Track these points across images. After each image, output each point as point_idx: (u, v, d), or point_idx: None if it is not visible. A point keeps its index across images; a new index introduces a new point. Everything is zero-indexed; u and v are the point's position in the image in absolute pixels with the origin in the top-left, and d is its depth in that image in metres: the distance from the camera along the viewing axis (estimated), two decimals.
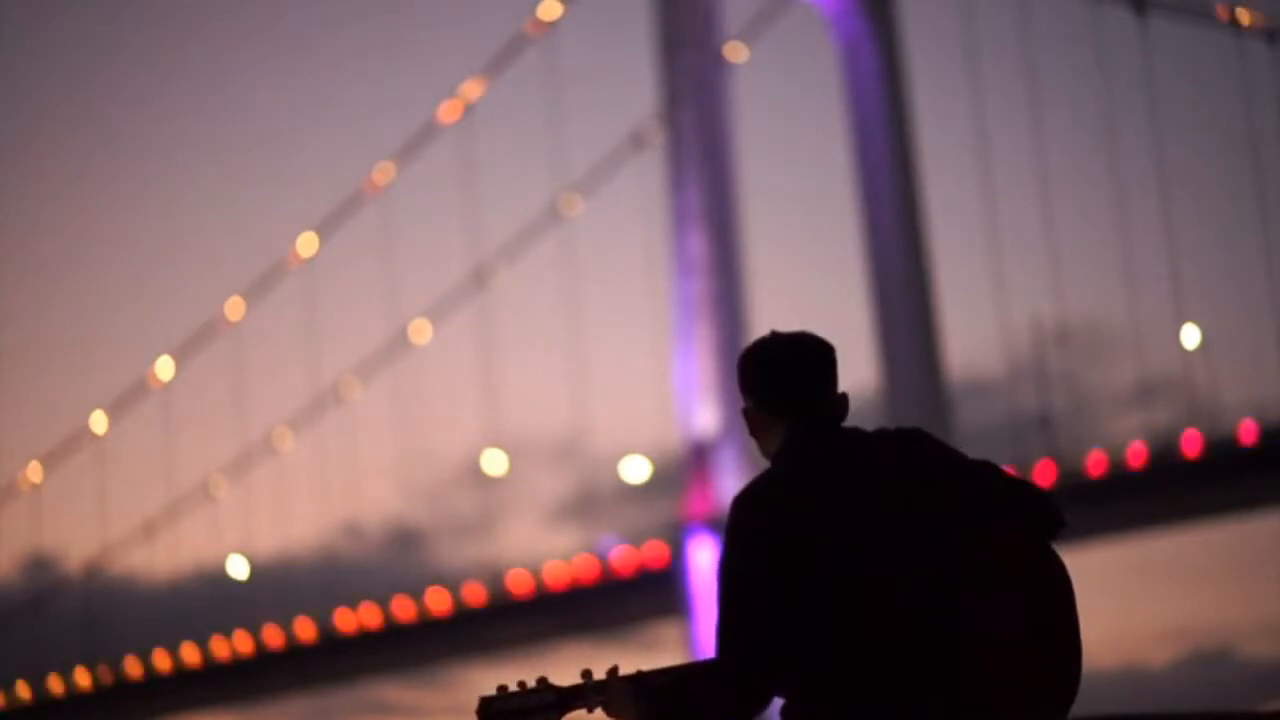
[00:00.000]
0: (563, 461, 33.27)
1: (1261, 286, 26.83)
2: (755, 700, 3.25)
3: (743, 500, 3.29)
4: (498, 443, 30.06)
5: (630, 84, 30.86)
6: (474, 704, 3.32)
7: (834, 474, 3.31)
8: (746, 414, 3.44)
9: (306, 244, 30.93)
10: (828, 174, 30.90)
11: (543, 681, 3.34)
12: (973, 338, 33.96)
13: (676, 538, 27.43)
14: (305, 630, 29.80)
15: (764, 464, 3.41)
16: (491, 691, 3.33)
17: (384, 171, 30.54)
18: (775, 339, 3.43)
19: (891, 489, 3.29)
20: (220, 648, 30.19)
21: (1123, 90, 27.92)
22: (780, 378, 3.40)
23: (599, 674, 3.36)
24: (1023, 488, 3.36)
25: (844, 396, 3.42)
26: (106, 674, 30.91)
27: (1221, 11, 27.18)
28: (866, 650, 3.19)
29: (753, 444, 3.46)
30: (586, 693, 3.34)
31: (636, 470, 29.71)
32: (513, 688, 3.33)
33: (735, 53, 28.77)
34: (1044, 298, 28.32)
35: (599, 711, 3.36)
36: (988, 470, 3.36)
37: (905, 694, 3.18)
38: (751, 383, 3.42)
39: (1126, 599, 33.20)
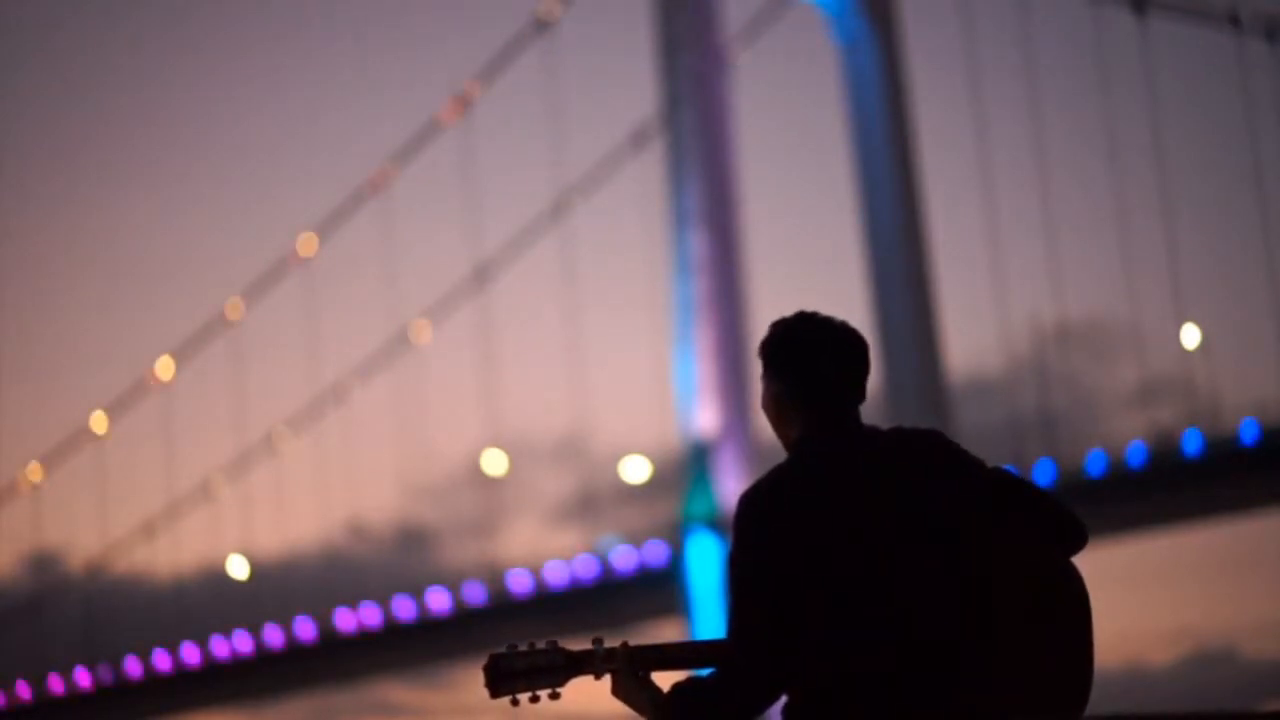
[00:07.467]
0: (563, 461, 33.20)
1: (1261, 286, 26.85)
2: (762, 698, 3.24)
3: (752, 497, 3.24)
4: (498, 443, 30.06)
5: (630, 84, 30.85)
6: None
7: (848, 473, 3.25)
8: (775, 398, 3.31)
9: (306, 244, 30.93)
10: (828, 174, 30.87)
11: (552, 644, 3.36)
12: (973, 338, 33.95)
13: (676, 538, 27.41)
14: (305, 630, 29.80)
15: (766, 461, 3.38)
16: (501, 650, 3.37)
17: (384, 171, 30.53)
18: (819, 321, 3.29)
19: (906, 490, 3.24)
20: (220, 648, 30.19)
21: (1123, 90, 27.92)
22: (826, 366, 3.28)
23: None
24: (1043, 499, 3.31)
25: None
26: (106, 674, 30.90)
27: (1221, 12, 27.19)
28: (873, 651, 3.17)
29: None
30: (595, 659, 3.35)
31: (636, 470, 29.67)
32: (522, 648, 3.36)
33: (735, 53, 28.76)
34: (1044, 298, 28.33)
35: (606, 679, 3.38)
36: (1003, 477, 3.31)
37: (911, 697, 3.17)
38: (789, 366, 3.29)
39: (1126, 599, 33.16)
